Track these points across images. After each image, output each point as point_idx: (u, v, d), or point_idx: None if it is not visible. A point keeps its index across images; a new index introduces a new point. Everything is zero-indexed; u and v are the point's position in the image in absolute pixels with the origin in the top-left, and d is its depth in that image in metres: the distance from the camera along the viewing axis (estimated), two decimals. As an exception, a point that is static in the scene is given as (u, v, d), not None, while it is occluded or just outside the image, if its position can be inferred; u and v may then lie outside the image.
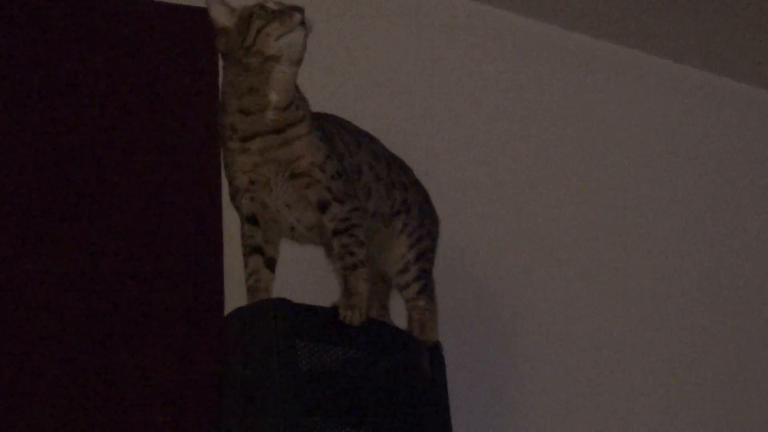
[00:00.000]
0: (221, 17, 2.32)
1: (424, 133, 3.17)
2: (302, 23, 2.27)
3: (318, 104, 2.44)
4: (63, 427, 2.53)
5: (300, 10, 2.27)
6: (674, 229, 3.48)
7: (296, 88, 2.35)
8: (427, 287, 2.46)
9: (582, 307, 3.26)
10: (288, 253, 2.48)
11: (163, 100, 2.79)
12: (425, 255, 2.46)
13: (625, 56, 3.50)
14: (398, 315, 2.58)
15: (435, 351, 2.42)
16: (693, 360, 3.37)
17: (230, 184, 2.36)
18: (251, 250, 2.34)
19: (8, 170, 2.63)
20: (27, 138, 2.65)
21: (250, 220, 2.34)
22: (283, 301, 2.27)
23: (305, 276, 2.63)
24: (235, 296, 2.49)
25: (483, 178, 3.25)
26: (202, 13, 2.41)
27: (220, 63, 2.45)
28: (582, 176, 3.36)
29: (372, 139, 2.46)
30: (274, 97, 2.29)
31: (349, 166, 2.39)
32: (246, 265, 2.35)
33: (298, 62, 2.31)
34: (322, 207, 2.31)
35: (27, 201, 2.62)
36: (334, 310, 2.27)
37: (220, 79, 2.43)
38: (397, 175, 2.47)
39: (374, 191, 2.41)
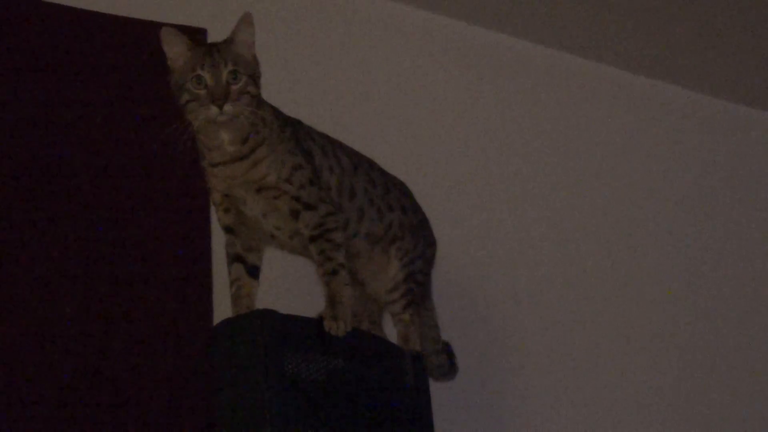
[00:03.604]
0: (172, 55, 2.32)
1: (425, 152, 3.20)
2: (221, 111, 2.25)
3: (320, 124, 2.49)
4: None
5: (217, 100, 2.25)
6: (657, 231, 3.49)
7: (254, 109, 2.33)
8: (412, 303, 2.50)
9: (572, 317, 3.28)
10: (275, 264, 2.52)
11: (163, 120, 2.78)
12: (414, 276, 2.51)
13: (605, 73, 3.52)
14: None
15: (417, 360, 2.46)
16: (678, 361, 3.39)
17: (210, 196, 2.40)
18: (232, 258, 2.39)
19: (9, 178, 2.65)
20: (24, 148, 2.67)
21: (228, 230, 2.39)
22: (270, 313, 2.30)
23: (292, 286, 2.67)
24: (223, 307, 2.51)
25: (479, 192, 3.27)
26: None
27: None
28: (571, 187, 3.38)
29: (371, 165, 2.51)
30: (226, 137, 2.31)
31: (342, 184, 2.42)
32: (229, 274, 2.40)
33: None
34: (295, 215, 2.34)
35: (23, 211, 2.64)
36: (319, 320, 2.29)
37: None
38: (396, 199, 2.52)
39: (367, 214, 2.45)
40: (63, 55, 2.84)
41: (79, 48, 2.84)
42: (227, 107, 2.26)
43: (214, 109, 2.25)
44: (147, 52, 2.77)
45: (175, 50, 2.32)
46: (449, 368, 2.67)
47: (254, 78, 2.31)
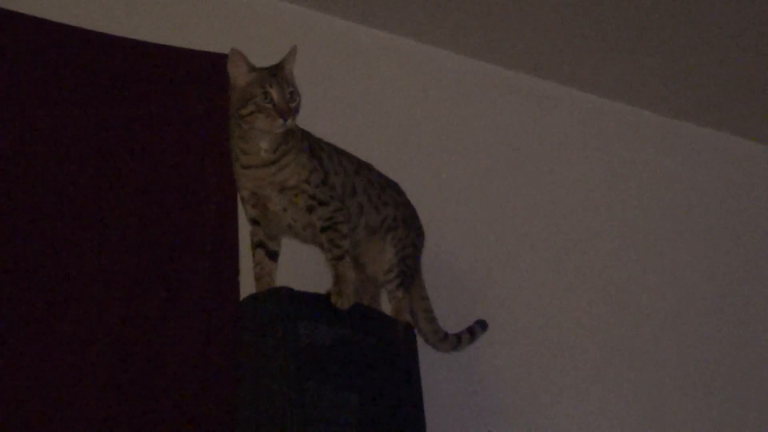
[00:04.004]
0: (235, 74, 2.49)
1: (424, 164, 3.35)
2: (285, 123, 2.45)
3: (339, 141, 2.69)
4: (100, 399, 2.67)
5: (285, 115, 2.44)
6: (627, 217, 3.66)
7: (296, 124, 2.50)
8: (404, 283, 2.69)
9: (547, 302, 3.44)
10: (292, 250, 2.70)
11: (199, 129, 2.91)
12: (406, 260, 2.70)
13: (567, 94, 3.66)
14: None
15: (408, 330, 2.65)
16: (641, 350, 3.53)
17: (239, 192, 2.60)
18: (256, 245, 2.60)
19: (60, 175, 2.77)
20: (72, 151, 2.79)
21: (253, 222, 2.59)
22: (287, 290, 2.49)
23: (305, 268, 2.81)
24: (248, 285, 2.69)
25: (462, 193, 3.43)
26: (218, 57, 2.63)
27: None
28: (546, 194, 3.54)
29: (370, 169, 2.70)
30: (264, 145, 2.50)
31: (345, 185, 2.60)
32: (253, 257, 2.60)
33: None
34: (310, 210, 2.54)
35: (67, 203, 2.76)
36: (327, 296, 2.50)
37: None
38: (390, 196, 2.69)
39: (366, 209, 2.63)
40: (96, 77, 2.87)
41: (112, 71, 2.89)
42: (290, 121, 2.45)
43: (279, 122, 2.44)
44: (180, 75, 2.92)
45: (239, 70, 2.49)
46: (445, 335, 2.80)
47: (300, 99, 2.51)
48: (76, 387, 2.68)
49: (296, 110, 2.50)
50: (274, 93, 2.46)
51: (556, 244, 3.51)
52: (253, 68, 2.51)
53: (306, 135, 2.59)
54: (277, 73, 2.50)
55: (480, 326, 2.87)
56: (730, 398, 3.65)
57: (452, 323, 2.92)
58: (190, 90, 2.91)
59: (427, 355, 2.80)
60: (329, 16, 3.27)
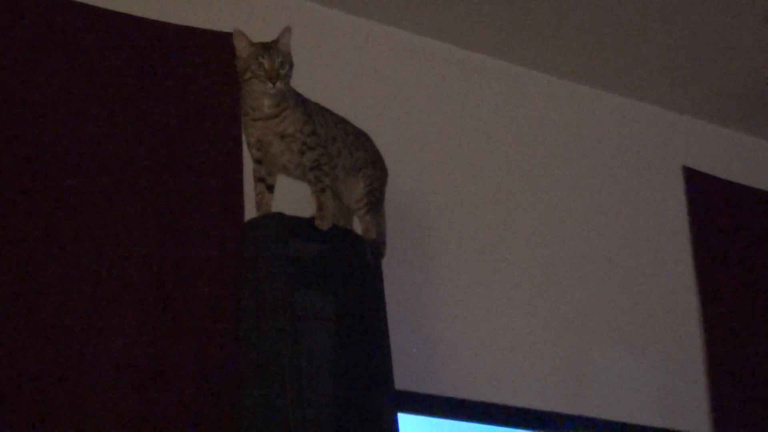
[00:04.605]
0: (238, 46, 2.84)
1: (389, 123, 3.61)
2: (274, 86, 2.74)
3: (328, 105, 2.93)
4: (130, 310, 2.87)
5: (273, 80, 2.74)
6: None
7: (288, 87, 2.78)
8: (371, 209, 2.99)
9: (485, 223, 3.77)
10: (285, 186, 2.97)
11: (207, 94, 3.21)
12: (373, 193, 2.99)
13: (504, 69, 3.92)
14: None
15: (374, 246, 2.94)
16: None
17: (246, 139, 2.91)
18: (257, 180, 2.87)
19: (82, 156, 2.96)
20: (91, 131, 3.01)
21: (257, 161, 2.88)
22: (280, 214, 2.77)
23: (294, 198, 3.00)
24: (249, 211, 2.96)
25: (418, 139, 3.74)
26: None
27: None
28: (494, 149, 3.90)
29: (345, 122, 2.99)
30: (266, 102, 2.82)
31: (327, 134, 2.90)
32: (255, 189, 2.87)
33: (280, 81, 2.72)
34: (302, 153, 2.85)
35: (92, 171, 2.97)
36: (311, 219, 2.78)
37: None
38: (362, 143, 3.00)
39: (342, 153, 2.94)
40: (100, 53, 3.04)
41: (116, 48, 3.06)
42: (278, 84, 2.77)
43: (269, 85, 2.75)
44: (190, 51, 3.20)
45: (242, 44, 2.81)
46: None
47: (291, 67, 2.82)
48: (110, 304, 2.91)
49: (286, 76, 2.83)
50: (266, 62, 2.77)
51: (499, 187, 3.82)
52: (252, 43, 2.84)
53: (299, 95, 2.92)
54: (270, 46, 2.81)
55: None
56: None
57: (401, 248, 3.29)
58: (198, 62, 3.21)
59: (386, 266, 3.05)
60: (326, 8, 3.61)
